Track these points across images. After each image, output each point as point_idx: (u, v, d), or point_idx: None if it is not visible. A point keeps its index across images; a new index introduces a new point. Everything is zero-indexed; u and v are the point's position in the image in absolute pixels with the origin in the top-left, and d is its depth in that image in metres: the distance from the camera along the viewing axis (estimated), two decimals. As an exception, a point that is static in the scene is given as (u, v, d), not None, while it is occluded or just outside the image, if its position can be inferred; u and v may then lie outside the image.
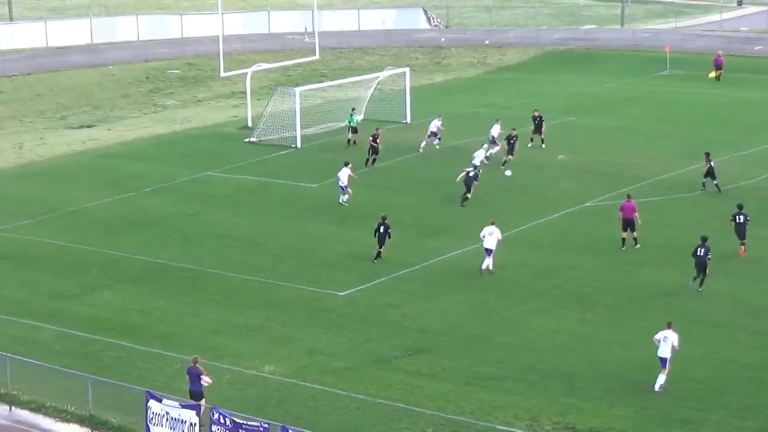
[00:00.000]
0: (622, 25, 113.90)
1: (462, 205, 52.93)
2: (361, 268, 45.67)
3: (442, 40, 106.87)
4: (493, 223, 45.20)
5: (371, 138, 60.49)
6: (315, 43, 77.77)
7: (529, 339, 38.76)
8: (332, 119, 71.30)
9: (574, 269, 45.03)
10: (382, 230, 46.10)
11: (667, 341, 34.77)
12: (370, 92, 72.89)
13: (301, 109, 66.77)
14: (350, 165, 54.44)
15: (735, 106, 75.50)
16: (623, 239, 46.90)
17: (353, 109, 68.30)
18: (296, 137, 65.85)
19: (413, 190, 55.93)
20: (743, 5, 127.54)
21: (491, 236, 44.77)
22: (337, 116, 71.59)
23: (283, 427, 29.99)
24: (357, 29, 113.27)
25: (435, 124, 64.36)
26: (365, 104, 72.16)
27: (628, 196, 47.52)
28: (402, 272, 45.09)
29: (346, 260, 46.80)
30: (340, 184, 53.84)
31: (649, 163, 59.52)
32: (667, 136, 65.53)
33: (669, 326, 35.12)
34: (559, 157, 60.15)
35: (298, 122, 66.08)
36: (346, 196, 53.75)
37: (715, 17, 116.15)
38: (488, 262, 44.80)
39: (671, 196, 53.97)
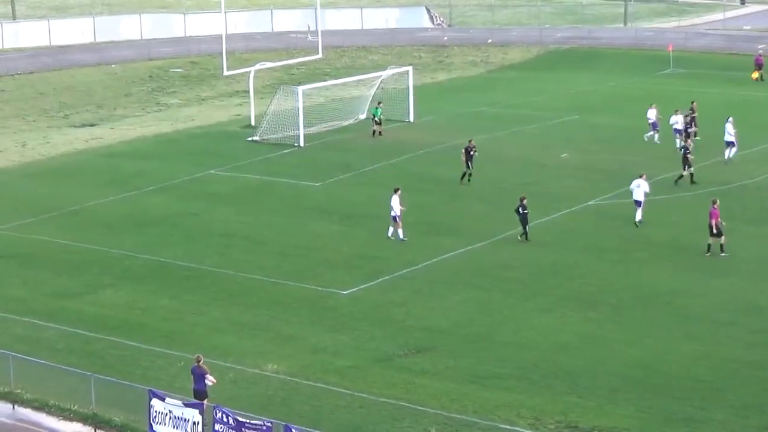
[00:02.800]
0: (625, 23, 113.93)
1: (693, 182, 54.66)
2: (364, 267, 45.61)
3: (445, 38, 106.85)
4: (641, 176, 47.78)
5: (464, 150, 56.16)
6: (318, 41, 77.84)
7: (532, 338, 38.71)
8: (335, 118, 71.31)
9: (578, 268, 44.97)
10: (520, 211, 47.00)
11: None
12: (373, 91, 72.86)
13: (304, 107, 66.76)
14: (399, 191, 48.60)
15: (738, 104, 75.34)
16: (708, 245, 45.68)
17: (379, 103, 68.36)
18: (299, 136, 65.85)
19: (417, 189, 55.74)
20: (746, 4, 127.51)
21: (638, 188, 47.59)
22: (340, 115, 71.62)
23: (286, 425, 29.93)
24: (360, 28, 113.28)
25: (652, 114, 64.05)
26: (368, 103, 72.09)
27: (714, 201, 46.00)
28: (405, 271, 45.03)
29: (349, 259, 46.73)
30: (393, 214, 48.30)
31: (652, 162, 59.42)
32: (670, 135, 65.38)
33: None
34: (563, 155, 60.13)
35: (301, 121, 66.07)
36: (396, 229, 48.29)
37: (719, 16, 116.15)
38: (638, 214, 47.92)
39: (674, 194, 53.91)
